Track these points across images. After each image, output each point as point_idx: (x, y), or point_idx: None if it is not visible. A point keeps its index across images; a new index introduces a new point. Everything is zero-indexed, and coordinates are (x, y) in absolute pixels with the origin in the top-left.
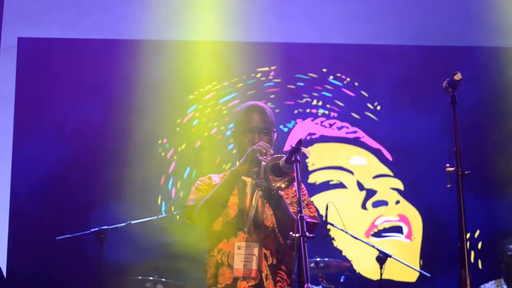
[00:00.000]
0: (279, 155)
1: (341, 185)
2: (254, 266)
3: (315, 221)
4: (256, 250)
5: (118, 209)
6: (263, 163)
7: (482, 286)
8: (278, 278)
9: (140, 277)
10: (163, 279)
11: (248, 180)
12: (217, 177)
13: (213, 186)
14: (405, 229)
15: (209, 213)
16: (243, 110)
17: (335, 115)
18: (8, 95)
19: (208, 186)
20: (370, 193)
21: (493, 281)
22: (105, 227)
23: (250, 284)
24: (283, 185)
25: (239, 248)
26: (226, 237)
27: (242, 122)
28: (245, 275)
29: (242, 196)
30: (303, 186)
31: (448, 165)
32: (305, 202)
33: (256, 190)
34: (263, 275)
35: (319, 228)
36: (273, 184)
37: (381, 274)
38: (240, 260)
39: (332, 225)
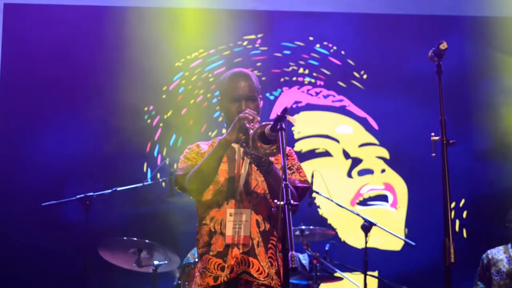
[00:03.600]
0: (266, 122)
1: (327, 154)
2: (246, 233)
3: (306, 185)
4: (247, 217)
5: (103, 175)
6: (251, 131)
7: (488, 251)
8: (269, 245)
9: (125, 238)
10: (147, 240)
11: (237, 146)
12: (205, 145)
13: (201, 154)
14: (390, 198)
15: (199, 184)
16: (228, 78)
17: (322, 83)
18: None
19: (196, 154)
20: (356, 161)
21: (501, 247)
22: (91, 193)
23: (241, 250)
24: (271, 152)
25: (230, 215)
26: (217, 205)
27: (227, 91)
28: (236, 242)
29: (231, 163)
30: (292, 151)
31: (433, 134)
32: (295, 166)
33: (246, 157)
34: (255, 241)
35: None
36: (261, 152)
37: (366, 243)
38: (232, 227)
39: (317, 193)
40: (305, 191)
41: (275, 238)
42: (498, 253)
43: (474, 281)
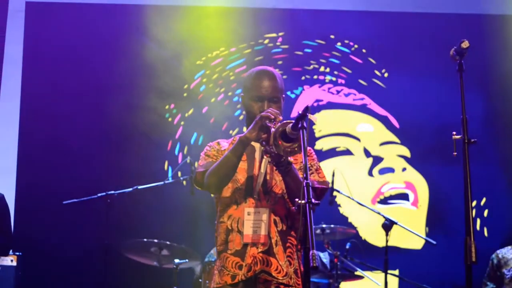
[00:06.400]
0: (288, 121)
1: (347, 152)
2: (264, 232)
3: (324, 186)
4: (265, 216)
5: (124, 174)
6: (273, 129)
7: (498, 251)
8: (288, 244)
9: (145, 239)
10: (168, 242)
11: (257, 145)
12: (226, 142)
13: (222, 151)
14: (411, 196)
15: (218, 180)
16: (253, 76)
17: (343, 81)
18: (16, 59)
19: (217, 151)
20: (377, 160)
21: (510, 247)
22: (112, 192)
23: (260, 250)
24: (292, 150)
25: (248, 214)
26: (236, 203)
27: (251, 89)
28: (254, 241)
29: (251, 162)
30: (312, 151)
31: (454, 132)
32: (314, 167)
33: (265, 156)
34: (273, 241)
35: (325, 195)
36: (282, 150)
37: (386, 241)
38: (250, 226)
39: (338, 191)
40: (323, 192)
41: (293, 238)
42: (508, 252)
43: (483, 282)
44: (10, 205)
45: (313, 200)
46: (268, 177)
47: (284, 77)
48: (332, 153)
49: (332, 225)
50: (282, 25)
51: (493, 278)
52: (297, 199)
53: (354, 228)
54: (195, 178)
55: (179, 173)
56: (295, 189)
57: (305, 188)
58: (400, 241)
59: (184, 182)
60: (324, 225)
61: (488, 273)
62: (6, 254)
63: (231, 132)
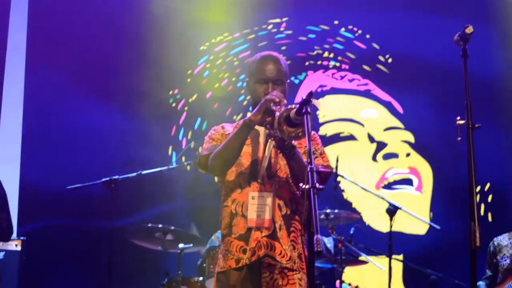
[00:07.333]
0: (292, 105)
1: (351, 137)
2: (268, 216)
3: (328, 170)
4: (269, 200)
5: (128, 159)
6: (277, 113)
7: (495, 238)
8: (292, 228)
9: (150, 224)
10: (172, 227)
11: (261, 129)
12: (230, 126)
13: (226, 135)
14: (415, 182)
15: (222, 163)
16: (258, 60)
17: (346, 67)
18: (19, 45)
19: (221, 135)
20: (381, 145)
21: (506, 234)
22: (116, 176)
23: (263, 234)
24: (296, 135)
25: (253, 198)
26: (240, 187)
27: (256, 72)
28: (258, 225)
29: (255, 146)
30: (316, 135)
31: (458, 117)
32: (319, 151)
33: (270, 140)
34: (277, 225)
35: (329, 180)
36: (286, 134)
37: (390, 226)
38: (254, 210)
39: (342, 177)
40: (328, 176)
41: (297, 222)
42: (503, 240)
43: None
44: (15, 190)
45: (317, 185)
46: (272, 161)
47: (288, 62)
48: (336, 138)
49: (336, 210)
50: (286, 11)
51: (491, 265)
52: (301, 184)
53: (358, 213)
54: (199, 161)
55: (183, 158)
56: (299, 173)
57: (309, 173)
58: (404, 226)
59: (188, 167)
60: (328, 210)
61: (487, 261)
62: (7, 240)
63: (235, 117)
